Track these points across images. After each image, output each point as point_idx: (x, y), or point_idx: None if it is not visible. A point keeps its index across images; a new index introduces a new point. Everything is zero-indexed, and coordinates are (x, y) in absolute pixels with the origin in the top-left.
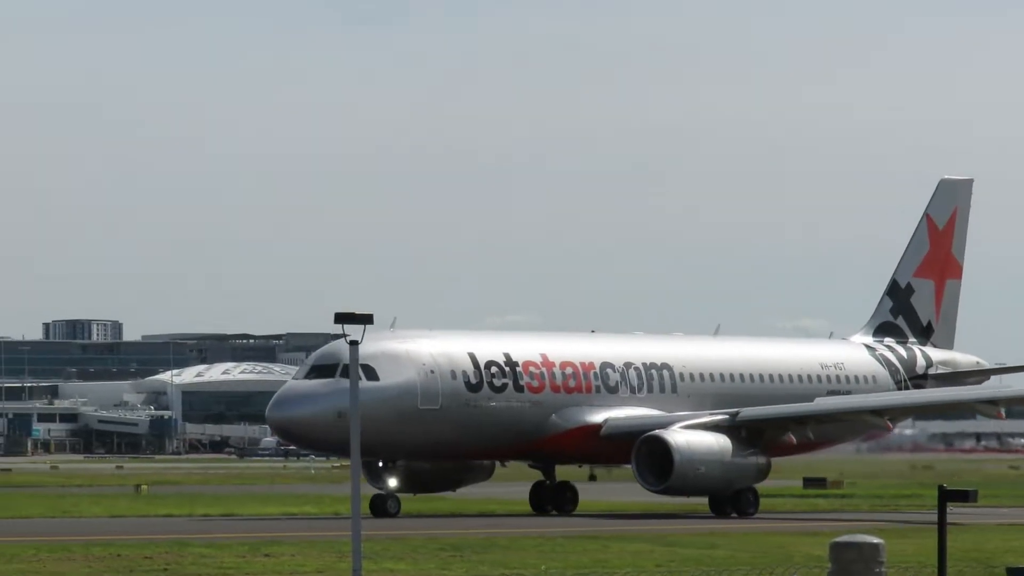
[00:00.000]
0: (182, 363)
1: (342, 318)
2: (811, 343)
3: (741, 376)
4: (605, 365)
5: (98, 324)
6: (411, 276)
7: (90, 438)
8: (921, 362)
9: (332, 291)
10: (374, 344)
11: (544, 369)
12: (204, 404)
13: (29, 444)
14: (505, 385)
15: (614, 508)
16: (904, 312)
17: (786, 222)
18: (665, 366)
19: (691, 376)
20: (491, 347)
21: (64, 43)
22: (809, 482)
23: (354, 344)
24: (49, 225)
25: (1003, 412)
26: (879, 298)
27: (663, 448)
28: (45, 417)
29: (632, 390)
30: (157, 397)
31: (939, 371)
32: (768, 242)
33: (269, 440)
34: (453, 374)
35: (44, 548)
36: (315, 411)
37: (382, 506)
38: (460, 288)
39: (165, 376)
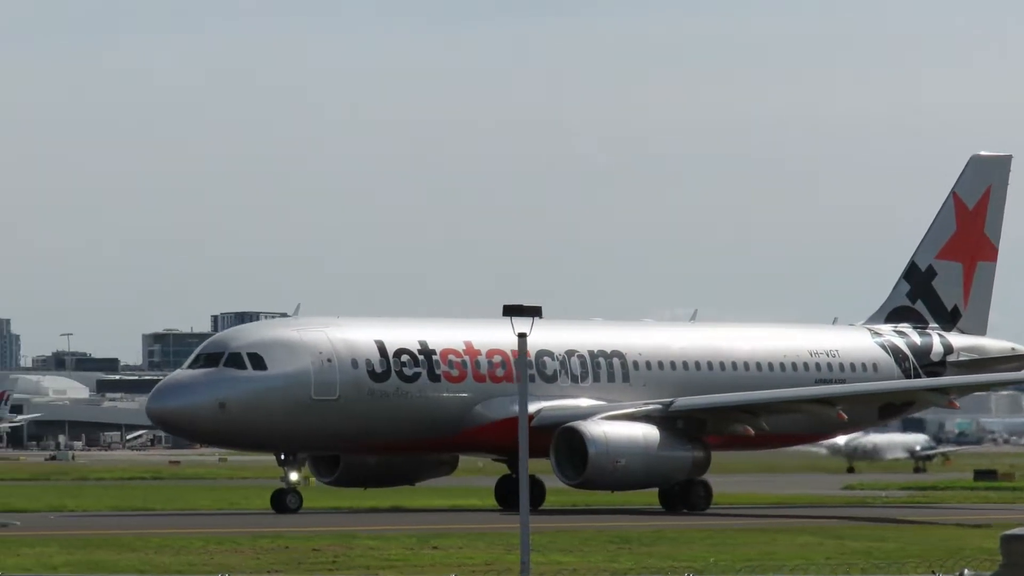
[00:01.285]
0: None
1: (510, 310)
2: (803, 329)
3: (709, 364)
4: (543, 353)
5: (266, 316)
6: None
7: None
8: (938, 348)
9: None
10: (265, 331)
11: (467, 358)
12: None
13: None
14: (418, 374)
15: (578, 503)
16: (924, 296)
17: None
18: (616, 354)
19: (647, 364)
20: (405, 335)
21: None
22: (980, 475)
23: (522, 337)
24: (218, 218)
25: (956, 402)
26: (895, 282)
27: (580, 440)
28: None
29: (575, 379)
30: None
31: (961, 358)
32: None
33: None
34: (355, 363)
35: (212, 540)
36: (195, 402)
37: (281, 501)
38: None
39: None
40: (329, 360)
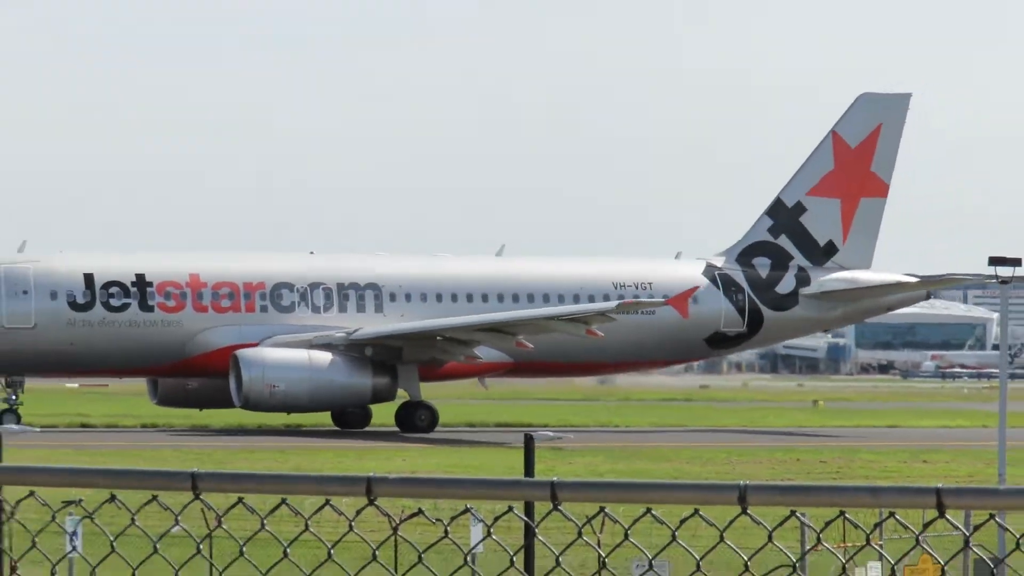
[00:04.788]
0: None
1: (995, 261)
2: (614, 261)
3: (484, 297)
4: (280, 285)
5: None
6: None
7: (776, 361)
8: (789, 283)
9: None
10: None
11: (188, 290)
12: (874, 333)
13: (724, 365)
14: (127, 305)
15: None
16: (790, 232)
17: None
18: (371, 286)
19: (407, 296)
20: (121, 267)
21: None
22: None
23: (1004, 283)
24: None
25: (596, 331)
26: (755, 219)
27: (238, 364)
28: None
29: (316, 310)
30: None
31: (826, 289)
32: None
33: (929, 364)
34: (54, 295)
35: (735, 452)
36: None
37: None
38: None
39: None
40: (25, 292)
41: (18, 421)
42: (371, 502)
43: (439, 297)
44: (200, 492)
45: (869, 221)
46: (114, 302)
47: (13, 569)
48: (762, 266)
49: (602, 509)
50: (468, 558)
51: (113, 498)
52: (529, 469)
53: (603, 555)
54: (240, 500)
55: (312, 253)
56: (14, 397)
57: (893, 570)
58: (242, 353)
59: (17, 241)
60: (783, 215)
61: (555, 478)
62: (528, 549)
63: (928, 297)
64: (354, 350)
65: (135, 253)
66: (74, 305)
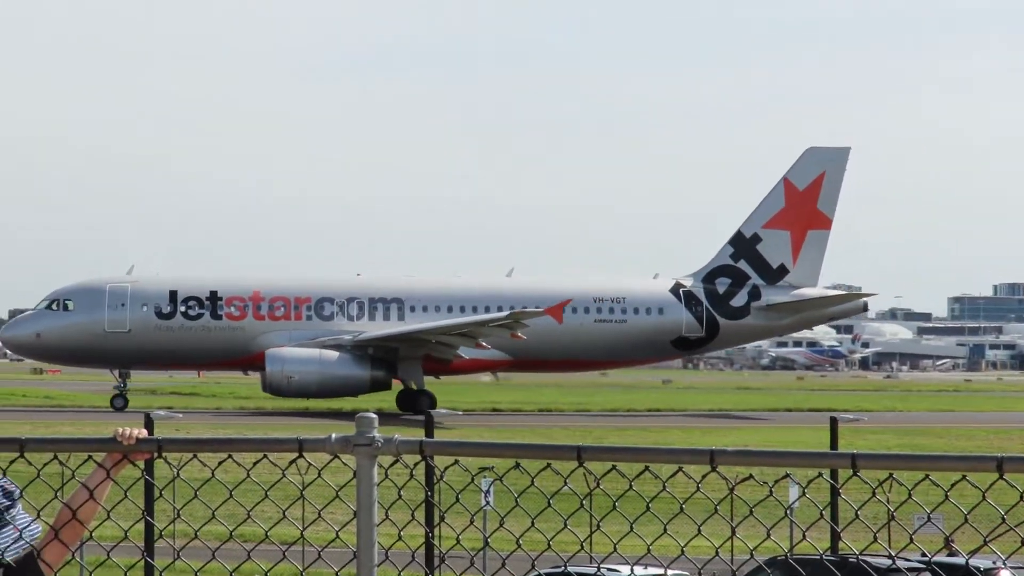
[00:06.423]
0: None
1: None
2: (596, 279)
3: (487, 308)
4: (323, 299)
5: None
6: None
7: (1022, 360)
8: (742, 298)
9: None
10: (73, 284)
11: (250, 303)
12: None
13: (983, 364)
14: (201, 314)
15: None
16: (748, 257)
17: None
18: (396, 300)
19: (424, 308)
20: (199, 285)
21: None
22: None
23: None
24: None
25: (519, 334)
26: (720, 247)
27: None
28: (994, 346)
29: (351, 319)
30: None
31: (764, 303)
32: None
33: None
34: (144, 306)
35: (992, 432)
36: (19, 333)
37: (115, 403)
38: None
39: None
40: (122, 304)
41: (126, 405)
42: (713, 468)
43: (450, 308)
44: None
45: (815, 248)
46: (191, 312)
47: (442, 518)
48: (722, 284)
49: (891, 475)
50: (787, 511)
51: (518, 464)
52: (834, 443)
53: (892, 510)
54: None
55: (359, 275)
56: (123, 384)
57: None
58: (269, 351)
59: (127, 265)
60: (742, 244)
61: (854, 451)
62: (833, 506)
63: (866, 308)
64: (358, 349)
65: (210, 273)
66: (160, 314)
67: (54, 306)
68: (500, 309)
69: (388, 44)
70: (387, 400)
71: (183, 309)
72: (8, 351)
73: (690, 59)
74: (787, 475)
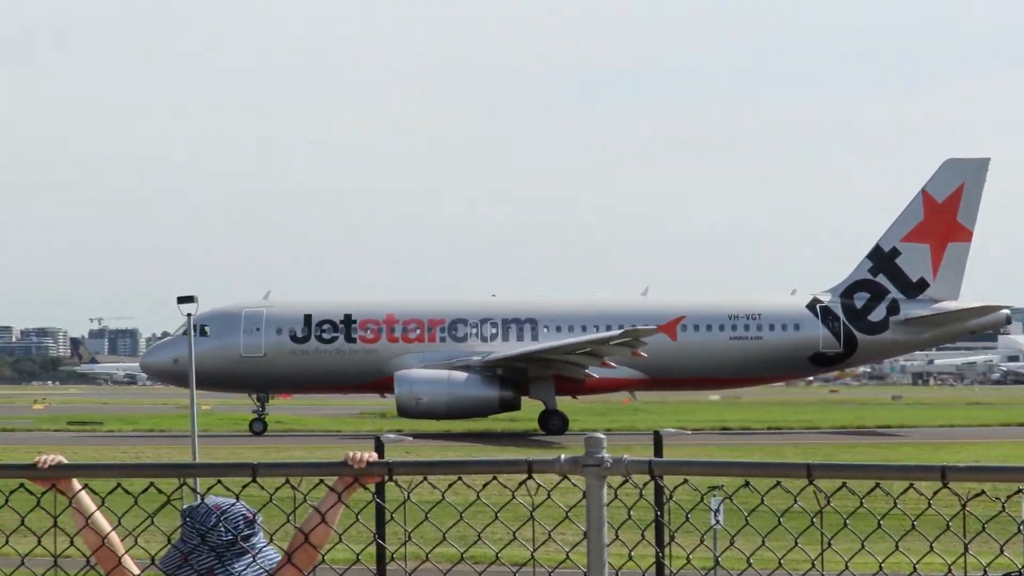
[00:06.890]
0: None
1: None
2: (732, 295)
3: (621, 326)
4: (457, 321)
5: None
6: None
7: None
8: (881, 312)
9: None
10: (208, 309)
11: (384, 326)
12: None
13: None
14: (335, 338)
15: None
16: (887, 271)
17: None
18: (530, 320)
19: (557, 328)
20: (333, 309)
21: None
22: None
23: None
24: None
25: (641, 352)
26: (858, 262)
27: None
28: None
29: (484, 340)
30: None
31: (903, 317)
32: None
33: None
34: (279, 331)
35: None
36: (158, 359)
37: (253, 427)
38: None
39: None
40: (257, 329)
41: (264, 429)
42: (944, 485)
43: (584, 327)
44: None
45: (956, 261)
46: (325, 336)
47: (672, 538)
48: (860, 299)
49: (982, 491)
50: (1020, 527)
51: (747, 483)
52: None
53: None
54: None
55: (494, 295)
56: (261, 408)
57: None
58: (398, 373)
59: (264, 290)
60: (881, 258)
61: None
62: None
63: (1009, 321)
64: (487, 370)
65: (343, 297)
66: (295, 338)
67: (181, 331)
68: (634, 326)
69: (542, 75)
70: (518, 420)
71: (317, 333)
72: (147, 376)
73: (826, 74)
74: (1019, 490)
